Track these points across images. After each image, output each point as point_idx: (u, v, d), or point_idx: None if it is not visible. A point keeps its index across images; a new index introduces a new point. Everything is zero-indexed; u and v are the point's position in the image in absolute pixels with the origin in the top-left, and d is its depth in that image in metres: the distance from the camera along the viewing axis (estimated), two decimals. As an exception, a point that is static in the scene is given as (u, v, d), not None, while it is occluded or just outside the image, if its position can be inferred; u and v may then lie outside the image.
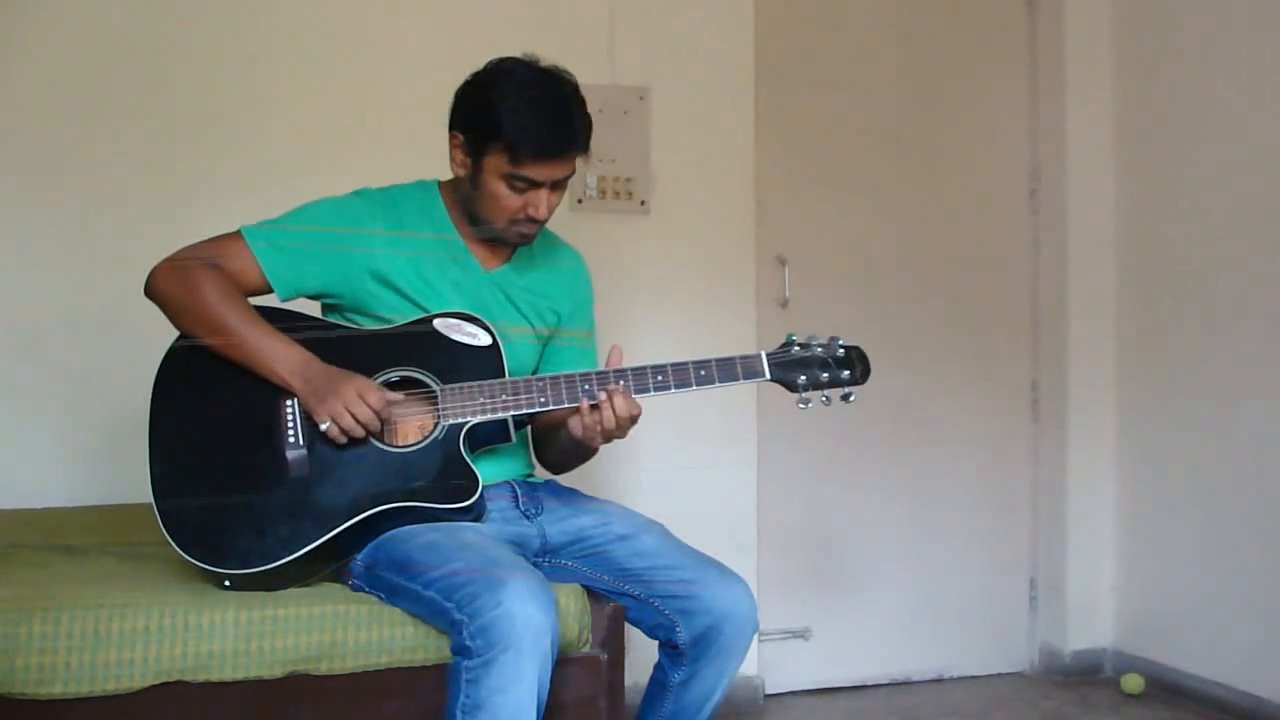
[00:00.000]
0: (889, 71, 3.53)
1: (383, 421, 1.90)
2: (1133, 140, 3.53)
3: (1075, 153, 3.56)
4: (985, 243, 3.64)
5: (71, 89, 2.73)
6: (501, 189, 1.98)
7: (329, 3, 2.91)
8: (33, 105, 2.71)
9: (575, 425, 1.97)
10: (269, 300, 2.00)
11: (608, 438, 1.96)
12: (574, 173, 2.03)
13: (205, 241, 1.99)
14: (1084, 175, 3.57)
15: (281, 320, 1.97)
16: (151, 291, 1.97)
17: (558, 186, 2.02)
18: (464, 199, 2.06)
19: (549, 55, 2.04)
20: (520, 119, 1.94)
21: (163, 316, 1.97)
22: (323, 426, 1.87)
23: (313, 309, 2.07)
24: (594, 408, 1.94)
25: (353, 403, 1.86)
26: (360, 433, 1.88)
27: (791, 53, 3.41)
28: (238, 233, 1.99)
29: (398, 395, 1.91)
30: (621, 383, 1.94)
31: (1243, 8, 3.16)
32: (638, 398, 1.95)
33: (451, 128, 2.04)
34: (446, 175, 2.13)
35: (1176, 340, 3.37)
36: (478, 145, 1.98)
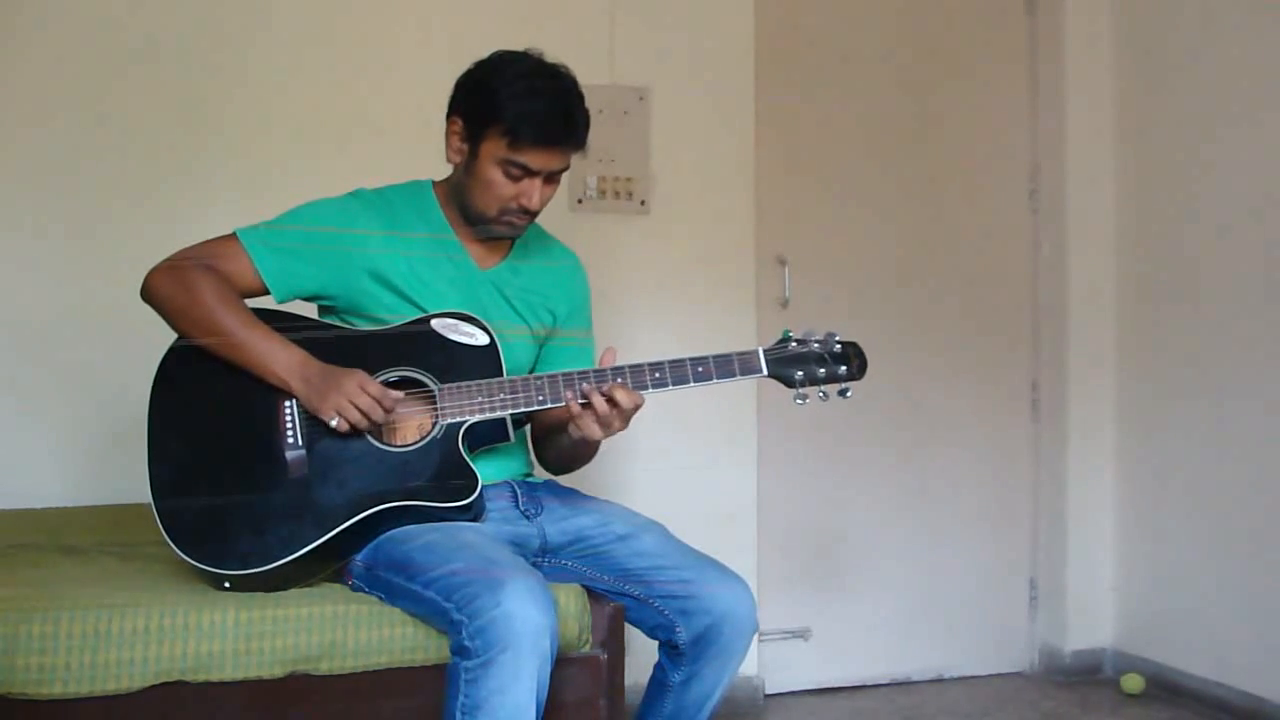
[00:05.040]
0: (889, 71, 3.53)
1: (386, 412, 1.89)
2: (1133, 140, 3.53)
3: (1075, 153, 3.56)
4: (985, 243, 3.64)
5: (71, 92, 2.73)
6: (497, 175, 1.98)
7: (327, 5, 2.92)
8: (33, 108, 2.71)
9: (575, 425, 1.97)
10: (266, 302, 2.00)
11: (607, 426, 1.94)
12: (568, 167, 2.03)
13: (201, 244, 1.99)
14: (1084, 175, 3.57)
15: (278, 321, 1.97)
16: (148, 294, 1.97)
17: (552, 179, 2.02)
18: (457, 188, 2.06)
19: (549, 55, 2.04)
20: (522, 104, 1.94)
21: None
22: (332, 423, 1.87)
23: (309, 310, 2.07)
24: (586, 406, 1.93)
25: (355, 394, 1.87)
26: (366, 423, 1.88)
27: (791, 53, 3.41)
28: (233, 235, 1.99)
29: (397, 394, 1.92)
30: (619, 380, 1.94)
31: (1242, 8, 3.16)
32: (635, 396, 1.95)
33: (451, 113, 2.04)
34: (444, 177, 2.13)
35: (1176, 341, 3.37)
36: (477, 129, 1.98)
